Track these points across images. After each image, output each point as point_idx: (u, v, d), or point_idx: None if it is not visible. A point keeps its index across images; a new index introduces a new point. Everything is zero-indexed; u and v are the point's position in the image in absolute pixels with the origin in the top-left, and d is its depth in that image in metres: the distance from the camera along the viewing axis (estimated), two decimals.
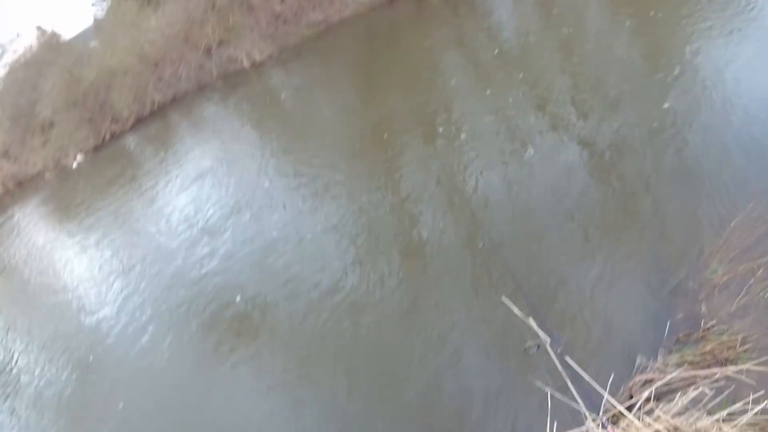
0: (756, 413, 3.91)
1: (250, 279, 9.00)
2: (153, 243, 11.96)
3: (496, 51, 13.44)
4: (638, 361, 4.95)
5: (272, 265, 8.98)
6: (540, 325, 5.39)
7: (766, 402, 3.88)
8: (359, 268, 7.87)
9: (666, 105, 8.48)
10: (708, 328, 5.02)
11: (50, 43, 32.45)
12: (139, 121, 26.10)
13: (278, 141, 13.95)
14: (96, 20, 34.77)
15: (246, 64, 23.82)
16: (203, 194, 12.85)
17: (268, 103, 17.90)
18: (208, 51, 25.71)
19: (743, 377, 4.33)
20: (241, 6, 25.53)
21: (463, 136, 10.06)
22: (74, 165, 25.39)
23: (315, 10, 24.62)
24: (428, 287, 7.06)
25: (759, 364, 4.39)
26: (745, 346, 4.71)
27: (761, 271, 5.36)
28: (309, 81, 17.99)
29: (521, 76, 11.22)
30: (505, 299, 5.93)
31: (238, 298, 8.69)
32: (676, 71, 9.22)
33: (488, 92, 11.20)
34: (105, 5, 33.43)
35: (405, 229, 8.37)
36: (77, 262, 13.57)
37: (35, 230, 19.19)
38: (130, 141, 24.45)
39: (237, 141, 15.39)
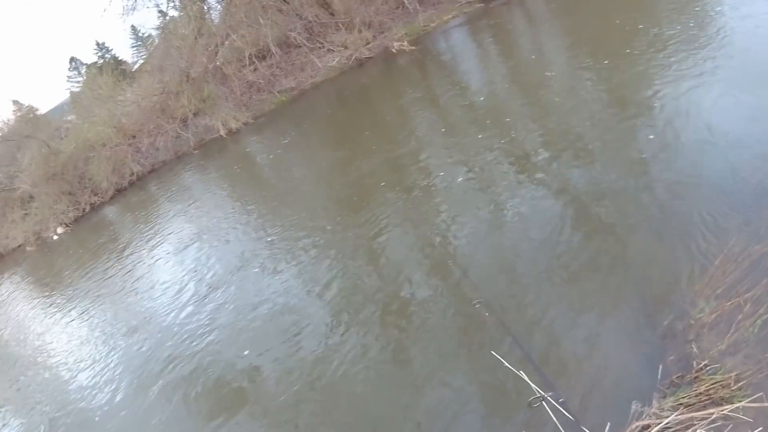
0: None
1: (234, 347, 8.82)
2: (134, 314, 11.79)
3: (467, 106, 13.66)
4: (633, 407, 4.88)
5: (256, 332, 8.81)
6: (539, 378, 5.34)
7: None
8: (347, 332, 7.72)
9: (640, 151, 8.61)
10: (701, 369, 4.98)
11: (27, 117, 32.71)
12: (119, 192, 26.14)
13: (257, 206, 13.96)
14: (72, 94, 35.09)
15: (222, 132, 24.07)
16: (185, 263, 12.75)
17: (245, 169, 18.01)
18: (184, 121, 25.97)
19: (740, 415, 4.29)
20: (215, 77, 25.96)
21: (440, 191, 10.11)
22: (55, 237, 25.23)
23: (287, 77, 25.11)
24: (420, 349, 6.90)
25: (754, 401, 4.36)
26: (739, 384, 4.68)
27: (748, 306, 5.36)
28: (285, 145, 18.12)
29: (493, 129, 11.39)
30: (494, 354, 5.88)
31: (222, 366, 8.53)
32: (647, 117, 9.42)
33: (462, 147, 11.29)
34: (80, 79, 33.87)
35: (390, 288, 8.26)
36: (59, 335, 13.32)
37: (16, 304, 18.90)
38: (111, 212, 24.38)
39: (216, 209, 15.39)
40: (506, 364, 5.61)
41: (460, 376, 6.25)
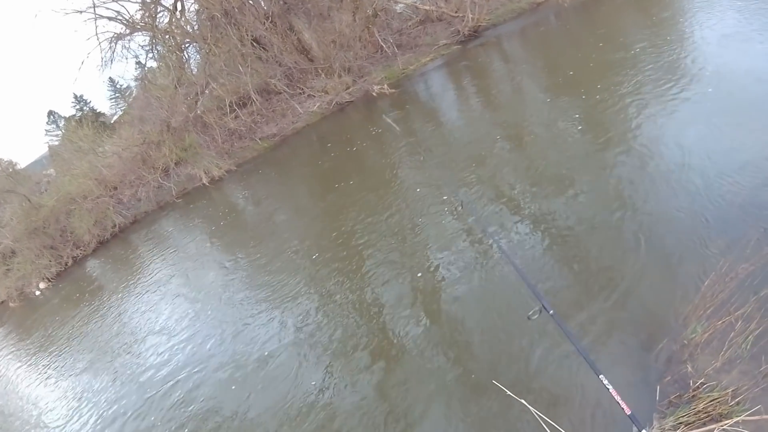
0: None
1: (216, 399, 8.71)
2: (116, 368, 11.60)
3: (447, 145, 13.83)
4: (635, 430, 4.92)
5: (242, 383, 8.70)
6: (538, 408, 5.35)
7: None
8: (332, 381, 7.66)
9: (623, 182, 8.80)
10: (697, 387, 5.05)
11: (7, 172, 32.48)
12: (102, 244, 25.88)
13: (243, 254, 13.86)
14: (50, 147, 35.05)
15: (205, 180, 24.11)
16: (173, 314, 12.58)
17: (229, 217, 17.93)
18: (166, 171, 25.99)
19: (740, 429, 4.35)
20: (196, 125, 26.10)
21: (424, 231, 10.18)
22: (37, 293, 24.87)
23: (268, 124, 25.31)
24: (410, 395, 6.89)
25: (752, 414, 4.43)
26: (737, 399, 4.75)
27: (739, 323, 5.47)
28: (268, 192, 18.18)
29: (474, 166, 11.54)
30: (496, 383, 5.91)
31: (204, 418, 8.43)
32: (627, 149, 9.66)
33: (445, 186, 11.41)
34: (58, 133, 33.92)
35: (374, 332, 8.25)
36: (42, 392, 13.08)
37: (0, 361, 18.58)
38: (94, 265, 24.12)
39: (201, 258, 15.30)
40: (508, 392, 5.63)
41: (459, 413, 6.27)
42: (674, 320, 5.97)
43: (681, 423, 4.76)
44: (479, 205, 10.07)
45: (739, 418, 4.41)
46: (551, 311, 4.96)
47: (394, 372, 7.25)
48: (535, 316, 4.96)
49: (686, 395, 5.06)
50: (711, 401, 4.81)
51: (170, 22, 25.89)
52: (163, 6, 25.65)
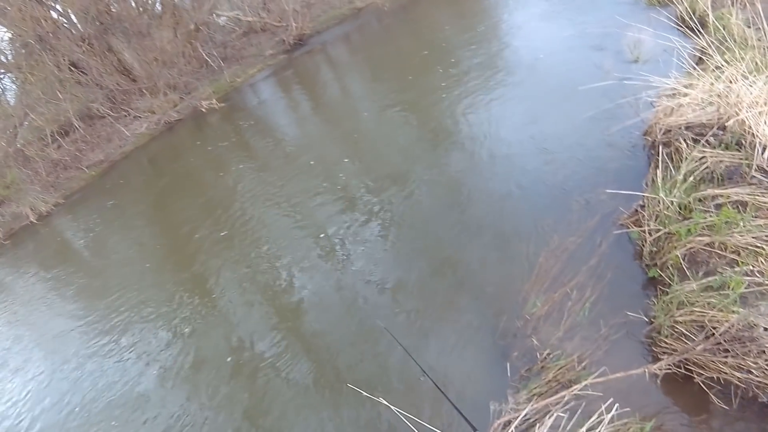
0: (612, 421, 4.07)
1: None
2: None
3: (282, 152, 13.66)
4: (492, 407, 4.99)
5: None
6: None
7: (616, 406, 4.05)
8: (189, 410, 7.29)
9: (455, 173, 9.06)
10: (545, 358, 5.23)
11: None
12: None
13: (79, 291, 12.85)
14: None
15: (32, 218, 22.29)
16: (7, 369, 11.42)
17: (61, 253, 16.65)
18: None
19: (589, 392, 4.51)
20: (16, 160, 24.21)
21: (267, 241, 9.95)
22: None
23: (94, 151, 23.89)
24: (270, 406, 6.67)
25: (599, 376, 4.61)
26: (583, 364, 4.96)
27: (575, 292, 5.75)
28: (101, 221, 17.06)
29: (312, 170, 11.47)
30: (350, 385, 5.84)
31: None
32: (455, 141, 9.99)
33: (283, 191, 11.24)
34: None
35: (227, 347, 7.93)
36: None
37: None
38: None
39: (36, 302, 14.04)
40: (365, 394, 5.54)
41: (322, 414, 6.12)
42: (514, 298, 6.18)
43: (534, 395, 4.88)
44: (318, 208, 10.02)
45: (587, 382, 4.59)
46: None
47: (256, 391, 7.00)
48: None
49: (535, 367, 5.22)
50: (559, 369, 4.98)
51: None
52: None
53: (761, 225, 4.88)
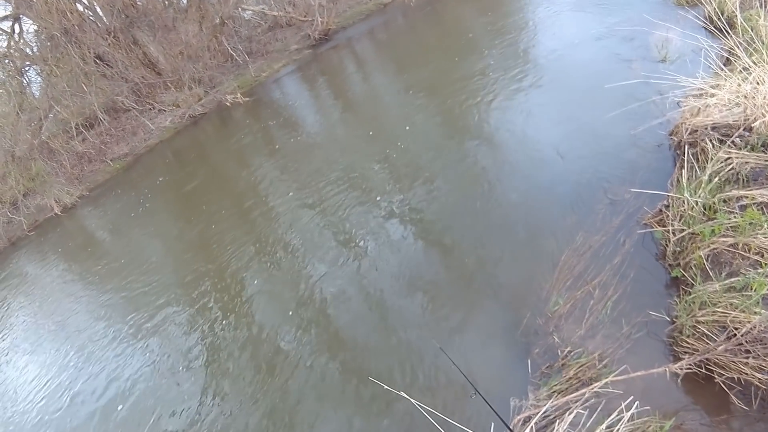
0: (632, 419, 4.09)
1: None
2: None
3: (306, 149, 13.69)
4: (512, 403, 5.04)
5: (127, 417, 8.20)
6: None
7: (636, 404, 4.07)
8: (218, 405, 7.39)
9: (481, 172, 9.07)
10: (566, 355, 5.24)
11: None
12: None
13: (103, 282, 12.97)
14: None
15: (57, 210, 22.59)
16: (40, 360, 11.56)
17: (86, 245, 16.80)
18: (14, 204, 24.15)
19: (610, 389, 4.53)
20: (41, 152, 24.48)
21: (294, 239, 10.00)
22: None
23: (119, 144, 24.12)
24: (297, 408, 6.73)
25: (619, 374, 4.63)
26: (604, 362, 4.97)
27: (597, 291, 5.75)
28: (125, 214, 17.25)
29: (336, 169, 11.50)
30: (373, 379, 5.91)
31: None
32: (483, 141, 9.99)
33: (308, 189, 11.29)
34: None
35: (257, 346, 8.01)
36: None
37: None
38: None
39: (60, 293, 14.19)
40: (386, 387, 5.60)
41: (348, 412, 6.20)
42: (537, 296, 6.20)
43: (554, 391, 4.91)
44: (344, 203, 10.07)
45: (607, 379, 4.60)
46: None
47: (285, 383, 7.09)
48: None
49: (556, 364, 5.24)
50: (580, 367, 5.00)
51: (9, 46, 24.22)
52: (1, 30, 24.00)
53: None
